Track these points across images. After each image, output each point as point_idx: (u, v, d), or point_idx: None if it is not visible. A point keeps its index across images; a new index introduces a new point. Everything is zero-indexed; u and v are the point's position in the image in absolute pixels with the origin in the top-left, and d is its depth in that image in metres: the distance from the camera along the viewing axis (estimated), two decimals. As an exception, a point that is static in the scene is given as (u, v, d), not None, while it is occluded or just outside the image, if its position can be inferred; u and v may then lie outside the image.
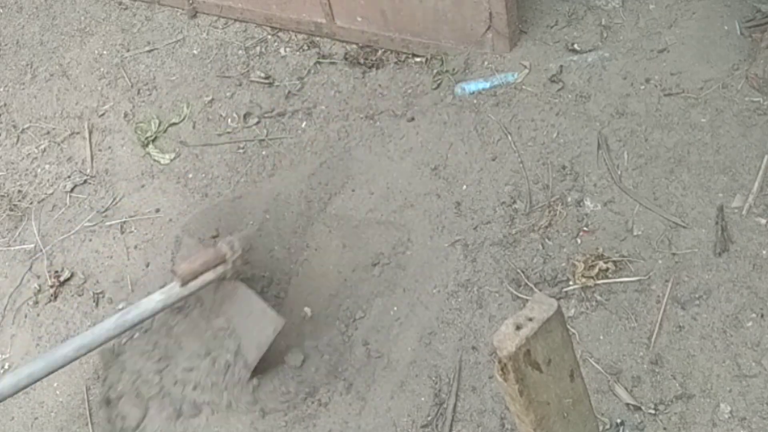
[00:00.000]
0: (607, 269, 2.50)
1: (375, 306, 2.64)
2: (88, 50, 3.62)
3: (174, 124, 3.27)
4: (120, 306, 2.82)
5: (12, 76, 3.63)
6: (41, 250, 3.00)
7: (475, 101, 2.99)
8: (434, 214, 2.76)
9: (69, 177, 3.20)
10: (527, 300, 2.10)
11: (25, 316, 2.88)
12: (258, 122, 3.19)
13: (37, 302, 2.90)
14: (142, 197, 3.09)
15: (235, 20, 3.53)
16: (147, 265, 2.92)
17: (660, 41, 2.97)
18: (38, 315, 2.87)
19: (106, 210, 3.08)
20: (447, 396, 2.41)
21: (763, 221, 2.51)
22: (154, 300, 2.47)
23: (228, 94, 3.30)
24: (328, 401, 2.49)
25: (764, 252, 2.45)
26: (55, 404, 2.67)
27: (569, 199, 2.68)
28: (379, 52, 3.26)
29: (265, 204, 2.97)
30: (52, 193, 3.16)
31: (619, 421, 2.25)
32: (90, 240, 3.00)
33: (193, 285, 2.49)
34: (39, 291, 2.91)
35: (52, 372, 2.42)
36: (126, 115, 3.35)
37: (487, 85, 3.01)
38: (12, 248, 3.07)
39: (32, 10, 3.85)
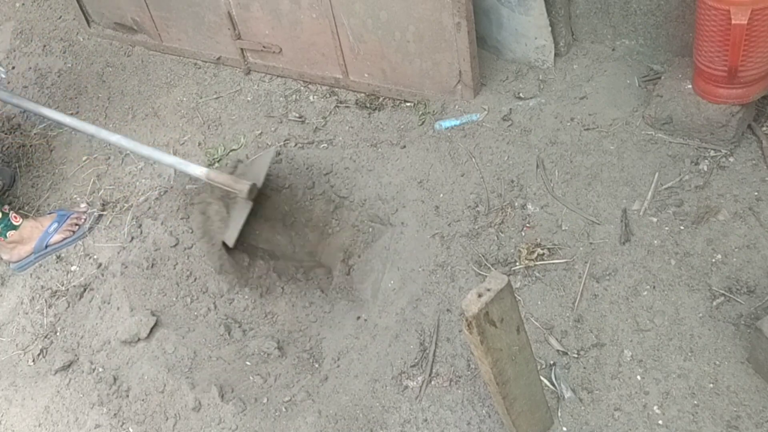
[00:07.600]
0: (543, 254, 2.51)
1: (381, 280, 2.65)
2: (173, 97, 3.62)
3: (234, 149, 3.27)
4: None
5: (118, 116, 3.63)
6: (136, 237, 3.01)
7: (449, 134, 2.99)
8: (420, 214, 2.76)
9: (158, 188, 3.20)
10: (486, 276, 2.11)
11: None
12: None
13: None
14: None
15: (278, 76, 3.53)
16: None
17: (581, 91, 2.98)
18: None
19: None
20: (429, 344, 2.41)
21: (655, 219, 2.51)
22: (190, 165, 2.80)
23: (272, 129, 3.30)
24: (339, 356, 2.50)
25: (655, 242, 2.45)
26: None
27: (516, 204, 2.69)
28: (381, 99, 3.27)
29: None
30: (145, 199, 3.17)
31: (552, 362, 2.26)
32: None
33: (212, 182, 2.75)
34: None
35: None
36: (199, 143, 3.35)
37: (458, 122, 3.01)
38: (119, 240, 3.07)
39: (132, 69, 3.85)
